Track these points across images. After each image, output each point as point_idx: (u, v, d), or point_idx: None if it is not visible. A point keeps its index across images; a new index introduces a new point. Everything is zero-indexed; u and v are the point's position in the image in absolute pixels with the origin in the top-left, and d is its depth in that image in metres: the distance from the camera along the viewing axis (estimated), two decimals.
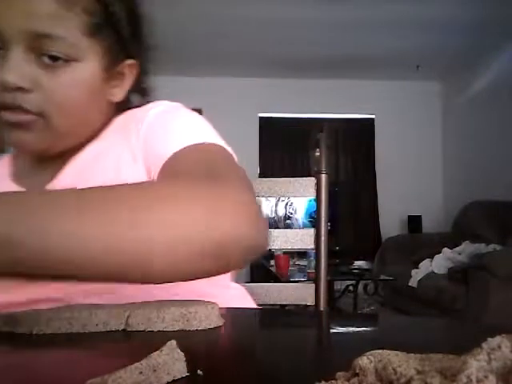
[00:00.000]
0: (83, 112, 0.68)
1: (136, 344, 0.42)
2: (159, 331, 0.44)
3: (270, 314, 0.56)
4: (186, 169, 0.57)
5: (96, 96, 0.68)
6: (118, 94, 0.70)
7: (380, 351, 0.27)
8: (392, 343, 0.31)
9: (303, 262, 3.68)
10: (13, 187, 0.70)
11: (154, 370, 0.30)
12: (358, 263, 3.85)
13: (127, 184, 0.43)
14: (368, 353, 0.27)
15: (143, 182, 0.54)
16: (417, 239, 4.33)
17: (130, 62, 0.69)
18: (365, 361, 0.26)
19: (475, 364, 0.22)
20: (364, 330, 0.52)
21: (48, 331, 0.44)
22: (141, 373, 0.29)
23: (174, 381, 0.31)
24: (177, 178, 0.55)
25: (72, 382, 0.33)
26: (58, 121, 0.64)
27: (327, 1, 3.31)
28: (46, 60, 0.61)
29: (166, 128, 0.66)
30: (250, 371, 0.35)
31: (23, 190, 0.68)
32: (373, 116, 5.19)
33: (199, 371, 0.32)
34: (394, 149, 5.01)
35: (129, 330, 0.45)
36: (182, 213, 0.40)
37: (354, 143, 5.17)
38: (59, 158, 0.70)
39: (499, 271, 2.85)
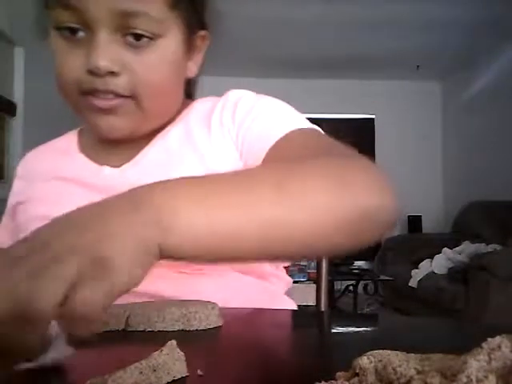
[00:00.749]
0: (170, 90, 0.67)
1: (136, 344, 0.42)
2: (159, 331, 0.44)
3: (269, 314, 0.56)
4: (300, 151, 0.57)
5: (179, 72, 0.67)
6: (193, 68, 0.69)
7: (380, 351, 0.27)
8: (392, 343, 0.31)
9: (303, 263, 3.68)
10: (83, 159, 0.71)
11: (154, 370, 0.30)
12: (358, 263, 3.85)
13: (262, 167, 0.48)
14: (368, 353, 0.27)
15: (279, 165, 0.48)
16: (417, 239, 4.33)
17: (202, 33, 0.68)
18: (365, 361, 0.26)
19: (475, 364, 0.22)
20: (364, 330, 0.52)
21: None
22: (141, 373, 0.29)
23: (174, 381, 0.31)
24: (300, 159, 0.51)
25: (72, 382, 0.33)
26: (148, 102, 0.63)
27: (327, 1, 3.31)
28: (131, 39, 0.60)
29: (263, 114, 0.66)
30: (249, 371, 0.35)
31: (94, 164, 0.69)
32: (373, 116, 5.18)
33: (199, 371, 0.32)
34: (394, 149, 5.01)
35: (129, 330, 0.45)
36: (319, 191, 0.39)
37: (354, 143, 5.15)
38: (138, 138, 0.69)
39: (499, 271, 2.85)
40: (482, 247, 3.41)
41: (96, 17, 0.58)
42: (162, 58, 0.62)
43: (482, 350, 0.23)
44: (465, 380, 0.21)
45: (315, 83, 4.93)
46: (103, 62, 0.58)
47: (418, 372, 0.24)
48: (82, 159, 0.71)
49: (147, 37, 0.60)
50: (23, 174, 0.77)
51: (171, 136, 0.69)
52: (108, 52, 0.58)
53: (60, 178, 0.70)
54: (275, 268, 0.72)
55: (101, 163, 0.69)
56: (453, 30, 3.78)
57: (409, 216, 4.92)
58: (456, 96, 4.94)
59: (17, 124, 3.16)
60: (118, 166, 0.68)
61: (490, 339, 0.24)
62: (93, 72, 0.59)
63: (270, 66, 4.67)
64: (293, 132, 0.61)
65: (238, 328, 0.49)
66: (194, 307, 0.46)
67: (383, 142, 5.04)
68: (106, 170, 0.68)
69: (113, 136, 0.66)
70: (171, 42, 0.63)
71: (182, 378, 0.31)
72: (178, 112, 0.71)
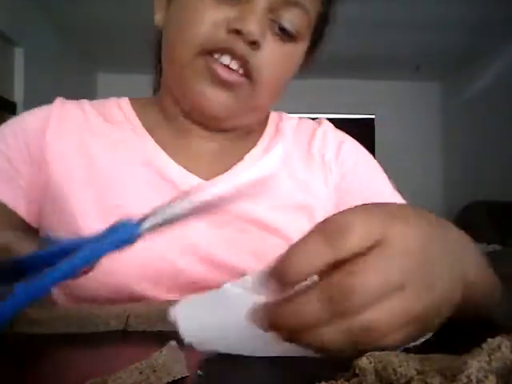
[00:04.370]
0: (280, 92, 0.66)
1: (136, 344, 0.42)
2: (159, 331, 0.44)
3: None
4: None
5: (292, 76, 0.66)
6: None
7: (380, 352, 0.27)
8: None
9: None
10: (159, 150, 0.65)
11: (154, 371, 0.30)
12: None
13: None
14: (368, 353, 0.27)
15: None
16: None
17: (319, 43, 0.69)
18: (365, 361, 0.26)
19: (475, 364, 0.22)
20: None
21: (48, 331, 0.44)
22: (141, 373, 0.29)
23: (174, 381, 0.31)
24: None
25: (72, 382, 0.33)
26: (263, 91, 0.61)
27: None
28: (276, 29, 0.59)
29: (372, 171, 0.71)
30: (249, 372, 0.35)
31: (176, 164, 0.64)
32: (373, 116, 5.19)
33: (199, 372, 0.32)
34: (393, 149, 5.01)
35: (129, 330, 0.45)
36: None
37: None
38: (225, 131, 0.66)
39: (499, 271, 2.85)
40: (482, 247, 3.41)
41: None
42: (293, 57, 0.62)
43: (482, 351, 0.23)
44: (465, 380, 0.21)
45: (315, 83, 4.93)
46: (257, 28, 0.56)
47: (418, 372, 0.24)
48: (157, 149, 0.65)
49: (291, 34, 0.59)
50: (64, 120, 0.66)
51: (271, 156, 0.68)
52: (262, 22, 0.57)
53: (133, 162, 0.64)
54: None
55: (181, 161, 0.65)
56: (453, 30, 3.78)
57: None
58: (456, 96, 4.94)
59: None
60: (208, 177, 0.64)
61: (489, 339, 0.24)
62: (239, 33, 0.56)
63: None
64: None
65: None
66: None
67: (383, 142, 5.04)
68: (194, 179, 0.63)
69: (212, 112, 0.61)
70: (302, 47, 0.63)
71: (182, 378, 0.31)
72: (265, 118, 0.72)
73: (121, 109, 0.69)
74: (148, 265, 0.59)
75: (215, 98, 0.59)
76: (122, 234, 0.31)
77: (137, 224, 0.31)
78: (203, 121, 0.65)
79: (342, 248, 0.28)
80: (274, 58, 0.59)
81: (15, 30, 3.04)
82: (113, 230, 0.31)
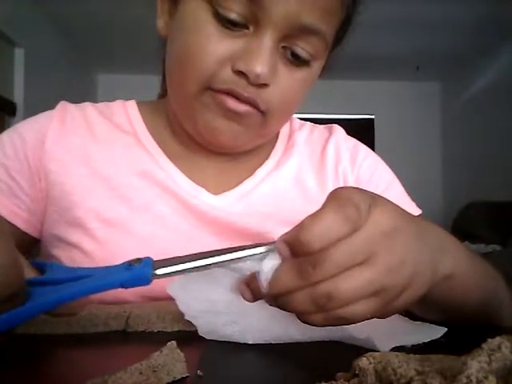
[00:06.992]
0: (293, 113, 0.62)
1: (136, 344, 0.42)
2: (159, 331, 0.44)
3: None
4: None
5: None
6: None
7: (380, 352, 0.27)
8: None
9: None
10: (166, 161, 0.64)
11: (154, 371, 0.30)
12: None
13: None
14: (368, 354, 0.27)
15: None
16: None
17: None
18: (364, 362, 0.26)
19: (475, 365, 0.22)
20: None
21: (48, 331, 0.44)
22: (141, 373, 0.29)
23: (173, 381, 0.31)
24: None
25: (72, 382, 0.33)
26: (276, 121, 0.59)
27: None
28: (289, 55, 0.54)
29: (388, 183, 0.71)
30: (249, 372, 0.35)
31: (185, 177, 0.63)
32: (372, 116, 5.18)
33: (199, 372, 0.32)
34: (393, 149, 5.01)
35: (129, 330, 0.45)
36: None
37: None
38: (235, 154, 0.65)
39: (499, 271, 2.85)
40: (481, 247, 3.41)
41: (270, 19, 0.51)
42: (306, 81, 0.58)
43: (482, 351, 0.23)
44: (465, 381, 0.21)
45: (315, 83, 4.93)
46: (264, 70, 0.51)
47: (418, 373, 0.24)
48: (166, 161, 0.64)
49: (304, 59, 0.55)
50: (71, 125, 0.64)
51: (283, 172, 0.67)
52: (270, 61, 0.52)
53: (140, 173, 0.63)
54: None
55: (188, 173, 0.64)
56: (453, 31, 3.78)
57: None
58: (456, 96, 4.94)
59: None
60: (216, 192, 0.63)
61: (489, 340, 0.24)
62: (243, 74, 0.52)
63: None
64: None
65: None
66: None
67: (383, 143, 5.03)
68: (203, 192, 0.63)
69: (223, 143, 0.59)
70: (317, 68, 0.58)
71: (182, 378, 0.31)
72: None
73: (127, 114, 0.68)
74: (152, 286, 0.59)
75: (226, 130, 0.56)
76: (134, 275, 0.32)
77: (151, 268, 0.32)
78: (212, 148, 0.63)
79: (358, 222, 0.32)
80: (286, 88, 0.55)
81: (15, 30, 3.04)
82: (127, 267, 0.32)
